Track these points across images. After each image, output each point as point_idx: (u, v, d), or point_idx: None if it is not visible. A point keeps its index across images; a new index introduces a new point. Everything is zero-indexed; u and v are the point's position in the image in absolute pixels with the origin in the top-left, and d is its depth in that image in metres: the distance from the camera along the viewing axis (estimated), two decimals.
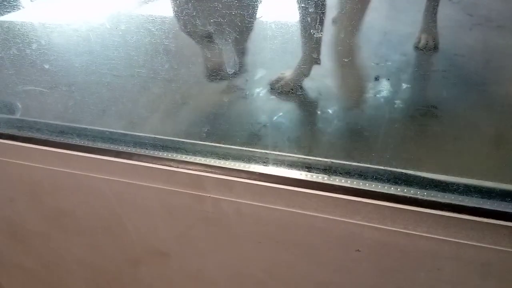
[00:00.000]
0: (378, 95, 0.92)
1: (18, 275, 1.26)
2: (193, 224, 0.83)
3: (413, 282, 0.73)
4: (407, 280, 0.73)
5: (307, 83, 0.94)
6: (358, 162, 0.70)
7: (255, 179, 0.73)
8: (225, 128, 0.90)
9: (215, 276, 0.92)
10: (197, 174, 0.75)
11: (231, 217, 0.78)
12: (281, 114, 0.95)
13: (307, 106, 0.96)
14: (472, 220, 0.63)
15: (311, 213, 0.72)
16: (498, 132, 0.84)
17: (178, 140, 0.79)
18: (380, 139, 0.83)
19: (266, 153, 0.76)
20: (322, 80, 0.96)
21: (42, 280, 1.23)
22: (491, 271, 0.66)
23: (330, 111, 0.94)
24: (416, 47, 0.97)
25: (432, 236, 0.66)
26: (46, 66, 0.89)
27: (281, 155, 0.75)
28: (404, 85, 0.94)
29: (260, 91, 0.97)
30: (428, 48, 0.95)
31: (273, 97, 0.96)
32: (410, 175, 0.67)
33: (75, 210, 0.94)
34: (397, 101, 0.91)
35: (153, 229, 0.89)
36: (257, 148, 0.76)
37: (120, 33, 0.79)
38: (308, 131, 0.93)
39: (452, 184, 0.65)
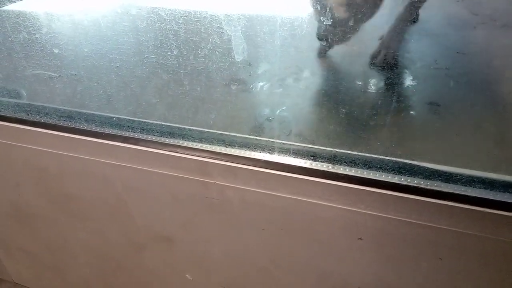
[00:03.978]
0: None
1: (22, 259, 1.28)
2: (198, 210, 0.84)
3: (414, 271, 0.74)
4: (409, 268, 0.74)
5: None
6: (362, 152, 0.71)
7: (260, 166, 0.74)
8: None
9: (219, 262, 0.93)
10: (203, 161, 0.76)
11: (235, 203, 0.79)
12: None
13: None
14: (474, 210, 0.63)
15: (315, 201, 0.73)
16: (500, 129, 0.85)
17: (185, 127, 0.80)
18: None
19: (271, 141, 0.77)
20: None
21: (46, 264, 1.24)
22: (492, 261, 0.67)
23: None
24: None
25: (435, 225, 0.67)
26: (56, 51, 0.89)
27: (286, 143, 0.76)
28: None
29: None
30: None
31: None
32: (414, 165, 0.68)
33: (81, 194, 0.94)
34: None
35: (158, 215, 0.90)
36: (263, 137, 0.77)
37: (131, 18, 0.79)
38: None
39: (456, 174, 0.66)
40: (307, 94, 0.97)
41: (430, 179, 0.67)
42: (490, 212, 0.63)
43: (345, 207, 0.71)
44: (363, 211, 0.70)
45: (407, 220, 0.68)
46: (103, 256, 1.08)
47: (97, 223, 0.99)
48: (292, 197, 0.74)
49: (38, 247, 1.18)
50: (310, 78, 1.04)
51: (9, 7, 1.12)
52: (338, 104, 0.87)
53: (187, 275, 1.00)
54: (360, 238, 0.74)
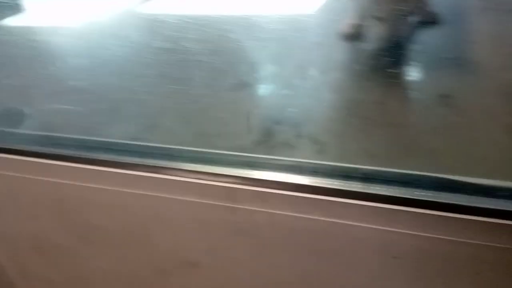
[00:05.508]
0: None
1: None
2: (225, 235, 0.82)
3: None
4: (446, 285, 0.73)
5: None
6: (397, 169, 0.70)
7: (290, 190, 0.72)
8: None
9: (246, 287, 0.91)
10: (230, 187, 0.74)
11: (264, 228, 0.77)
12: None
13: None
14: None
15: (348, 222, 0.71)
16: None
17: (209, 152, 0.78)
18: None
19: (300, 161, 0.75)
20: None
21: None
22: None
23: None
24: None
25: (475, 242, 0.65)
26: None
27: (316, 163, 0.74)
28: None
29: None
30: None
31: None
32: (454, 181, 0.66)
33: (102, 225, 0.92)
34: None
35: (183, 242, 0.88)
36: (291, 157, 0.75)
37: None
38: None
39: (500, 189, 0.64)
40: None
41: (469, 194, 0.65)
42: None
43: (380, 227, 0.69)
44: (399, 230, 0.68)
45: (446, 238, 0.66)
46: (127, 285, 1.06)
47: (120, 252, 0.97)
48: (325, 219, 0.72)
49: (58, 276, 1.16)
50: None
51: (14, 22, 1.08)
52: None
53: None
54: (395, 257, 0.72)
